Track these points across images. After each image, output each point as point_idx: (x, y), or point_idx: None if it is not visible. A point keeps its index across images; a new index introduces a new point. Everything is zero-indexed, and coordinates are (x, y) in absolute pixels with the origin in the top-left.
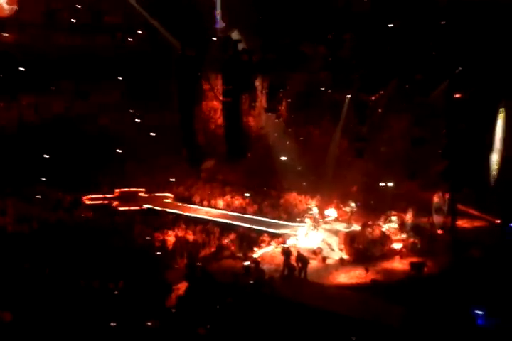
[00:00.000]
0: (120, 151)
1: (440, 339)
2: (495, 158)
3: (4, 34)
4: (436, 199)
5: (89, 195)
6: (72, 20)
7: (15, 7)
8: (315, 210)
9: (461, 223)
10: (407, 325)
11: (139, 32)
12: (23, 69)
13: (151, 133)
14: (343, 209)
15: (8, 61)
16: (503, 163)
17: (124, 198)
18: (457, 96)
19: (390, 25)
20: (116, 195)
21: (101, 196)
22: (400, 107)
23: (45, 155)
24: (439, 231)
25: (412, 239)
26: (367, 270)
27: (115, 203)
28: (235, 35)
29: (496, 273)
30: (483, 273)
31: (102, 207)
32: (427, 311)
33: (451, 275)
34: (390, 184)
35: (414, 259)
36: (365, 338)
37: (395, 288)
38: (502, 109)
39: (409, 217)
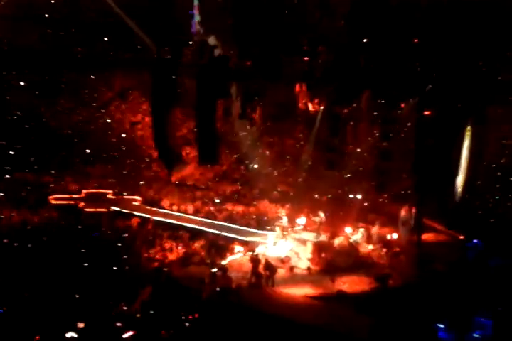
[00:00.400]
0: (89, 151)
1: None
2: (461, 175)
3: None
4: (403, 212)
5: (55, 194)
6: (45, 15)
7: None
8: (284, 219)
9: (427, 237)
10: (373, 335)
11: (114, 31)
12: None
13: (122, 135)
14: (312, 219)
15: None
16: (467, 181)
17: (91, 199)
18: (426, 112)
19: (364, 40)
20: (82, 195)
21: (67, 196)
22: (371, 120)
23: (11, 152)
24: (405, 245)
25: (378, 251)
26: (333, 280)
27: (81, 204)
28: (211, 40)
29: (458, 287)
30: (445, 286)
31: (67, 208)
32: (391, 323)
33: (415, 288)
34: (359, 196)
35: (380, 271)
36: None
37: (360, 299)
38: (469, 128)
39: (376, 230)
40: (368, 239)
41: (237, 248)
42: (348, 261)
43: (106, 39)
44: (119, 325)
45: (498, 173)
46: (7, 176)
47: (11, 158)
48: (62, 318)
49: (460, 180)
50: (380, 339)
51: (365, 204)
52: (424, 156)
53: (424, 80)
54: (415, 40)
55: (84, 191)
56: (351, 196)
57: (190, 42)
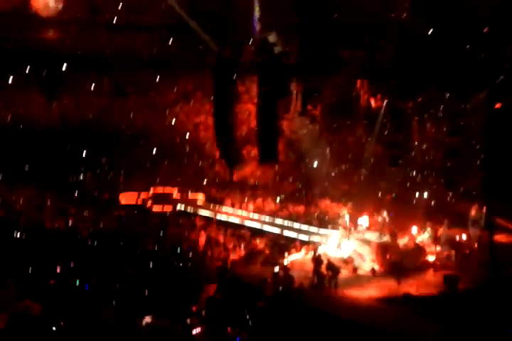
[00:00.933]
0: (155, 151)
1: None
2: None
3: (47, 32)
4: (473, 211)
5: (124, 193)
6: (113, 19)
7: (60, 5)
8: (347, 218)
9: (499, 238)
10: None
11: (178, 32)
12: (64, 68)
13: (186, 135)
14: (376, 218)
15: (50, 59)
16: None
17: (158, 198)
18: (497, 106)
19: (429, 32)
20: (150, 195)
21: (136, 195)
22: (437, 115)
23: (84, 153)
24: (475, 246)
25: (446, 252)
26: (399, 282)
27: (149, 203)
28: (271, 37)
29: None
30: None
31: (136, 207)
32: (461, 328)
33: (487, 292)
34: (426, 194)
35: (448, 273)
36: None
37: (428, 302)
38: None
39: (444, 230)
40: (436, 239)
41: (299, 247)
42: (415, 262)
43: (170, 41)
44: (188, 321)
45: None
46: (80, 177)
47: (83, 159)
48: (131, 313)
49: None
50: None
51: (432, 202)
52: (494, 152)
53: (495, 71)
54: (485, 30)
55: (151, 190)
56: (417, 194)
57: (251, 41)
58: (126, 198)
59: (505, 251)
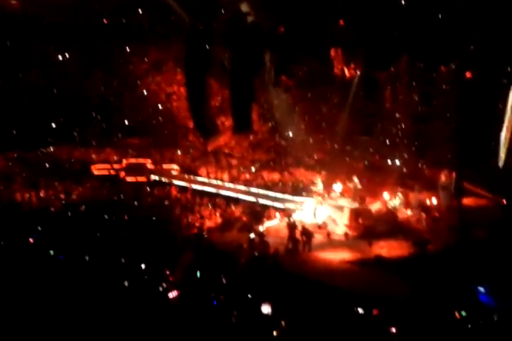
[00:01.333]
0: (127, 122)
1: (443, 314)
2: (504, 138)
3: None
4: (443, 177)
5: (96, 164)
6: None
7: None
8: (321, 186)
9: (467, 202)
10: (410, 300)
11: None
12: (33, 38)
13: (158, 105)
14: (348, 185)
15: (18, 29)
16: (511, 144)
17: (131, 169)
18: (468, 75)
19: (401, 2)
20: (123, 165)
21: (108, 166)
22: (410, 85)
23: (54, 124)
24: (444, 210)
25: (417, 217)
26: (370, 245)
27: (122, 173)
28: (244, 7)
29: (499, 253)
30: (486, 252)
31: (109, 177)
32: (431, 287)
33: (454, 254)
34: (397, 161)
35: (418, 237)
36: (368, 313)
37: (398, 264)
38: None
39: (415, 195)
40: (407, 204)
41: (274, 214)
42: (386, 226)
43: (139, 11)
44: (164, 285)
45: None
46: (50, 148)
47: (54, 131)
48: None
49: (503, 143)
50: (417, 304)
51: (404, 169)
52: (465, 119)
53: (466, 41)
54: None
55: (124, 161)
56: (389, 161)
57: (223, 11)
58: (99, 169)
59: (472, 214)
